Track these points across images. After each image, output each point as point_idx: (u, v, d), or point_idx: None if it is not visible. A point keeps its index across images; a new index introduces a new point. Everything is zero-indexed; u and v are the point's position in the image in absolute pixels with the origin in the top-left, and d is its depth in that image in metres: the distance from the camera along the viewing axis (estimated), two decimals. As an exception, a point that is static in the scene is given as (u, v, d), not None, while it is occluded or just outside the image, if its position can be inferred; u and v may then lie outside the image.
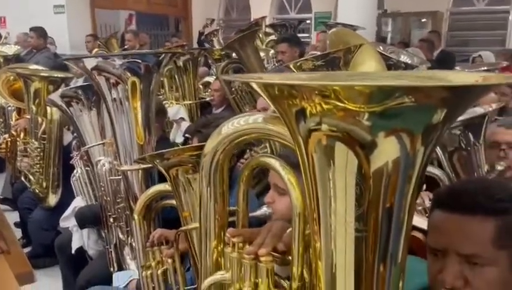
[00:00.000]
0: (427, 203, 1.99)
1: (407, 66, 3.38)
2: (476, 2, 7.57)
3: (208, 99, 4.19)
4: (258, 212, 1.34)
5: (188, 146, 1.38)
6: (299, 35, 8.53)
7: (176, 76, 4.16)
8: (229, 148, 1.00)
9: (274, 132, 0.93)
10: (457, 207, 0.88)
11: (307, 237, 0.92)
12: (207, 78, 4.88)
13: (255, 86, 0.73)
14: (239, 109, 3.92)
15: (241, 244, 1.01)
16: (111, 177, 2.07)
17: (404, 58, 3.37)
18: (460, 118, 1.78)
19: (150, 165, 1.64)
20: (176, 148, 1.37)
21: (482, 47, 7.28)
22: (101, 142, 2.30)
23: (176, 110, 4.18)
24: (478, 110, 1.87)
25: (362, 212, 0.72)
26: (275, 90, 0.68)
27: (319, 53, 4.48)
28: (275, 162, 0.95)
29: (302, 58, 2.26)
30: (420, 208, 1.96)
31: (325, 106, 0.62)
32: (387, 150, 0.64)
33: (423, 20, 7.83)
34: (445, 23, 7.65)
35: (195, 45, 8.60)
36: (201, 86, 4.83)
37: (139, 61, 1.79)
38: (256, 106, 3.28)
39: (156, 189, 1.65)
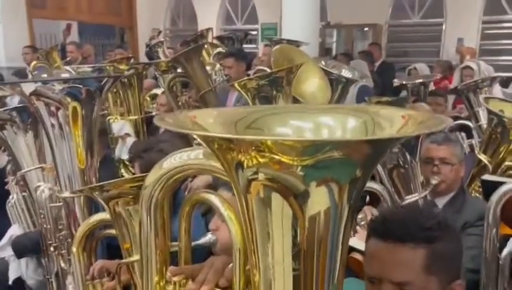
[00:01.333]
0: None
1: (348, 81, 3.52)
2: (412, 15, 7.98)
3: (154, 113, 4.12)
4: (202, 240, 1.34)
5: (128, 177, 1.35)
6: (246, 46, 8.66)
7: (120, 91, 4.06)
8: (169, 185, 1.00)
9: (216, 168, 0.93)
10: (389, 236, 0.93)
11: (247, 272, 0.93)
12: (154, 91, 4.80)
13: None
14: (186, 123, 3.89)
15: (183, 281, 1.00)
16: (51, 204, 1.98)
17: (345, 72, 3.51)
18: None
19: (98, 184, 1.59)
20: (115, 180, 1.34)
21: (418, 58, 7.68)
22: (38, 166, 2.20)
23: (121, 126, 4.08)
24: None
25: (298, 252, 0.75)
26: (208, 139, 0.69)
27: (264, 67, 4.57)
28: (214, 198, 0.96)
29: (246, 78, 2.29)
30: (363, 223, 2.03)
31: (260, 159, 0.64)
32: (319, 199, 0.66)
33: (365, 30, 8.14)
34: (385, 35, 8.01)
35: (142, 56, 8.45)
36: (148, 98, 4.74)
37: (81, 86, 1.75)
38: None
39: (97, 218, 1.59)
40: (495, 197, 1.57)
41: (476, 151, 2.81)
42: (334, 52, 8.14)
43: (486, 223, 1.65)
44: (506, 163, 2.64)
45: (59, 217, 1.99)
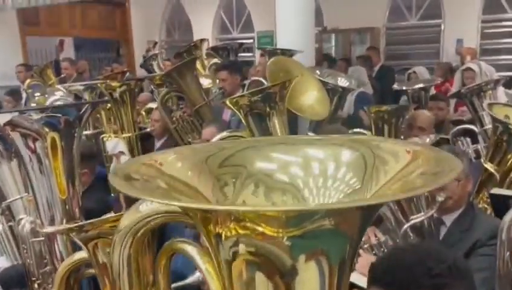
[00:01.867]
0: (373, 240, 1.95)
1: (345, 90, 3.41)
2: (409, 16, 7.87)
3: (148, 130, 4.01)
4: (191, 279, 1.24)
5: (108, 217, 1.24)
6: (243, 54, 8.57)
7: (113, 108, 3.96)
8: (145, 231, 0.89)
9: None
10: (393, 284, 0.81)
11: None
12: (150, 105, 4.69)
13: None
14: (181, 139, 3.78)
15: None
16: (33, 239, 1.87)
17: (341, 81, 3.40)
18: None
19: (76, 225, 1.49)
20: (94, 220, 1.23)
21: (418, 60, 7.58)
22: (18, 197, 2.09)
23: (115, 144, 3.98)
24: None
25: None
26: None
27: (260, 78, 4.46)
28: (191, 249, 0.84)
29: (237, 95, 2.18)
30: (366, 245, 1.91)
31: (241, 231, 0.53)
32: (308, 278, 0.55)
33: (363, 35, 8.04)
34: (383, 38, 7.90)
35: (138, 69, 8.37)
36: (144, 113, 4.64)
37: (59, 115, 1.65)
38: (202, 137, 3.17)
39: (79, 257, 1.48)
40: (508, 217, 1.45)
41: (482, 160, 2.68)
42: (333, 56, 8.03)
43: (499, 243, 1.53)
44: (515, 171, 2.52)
45: (42, 253, 1.88)
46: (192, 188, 0.75)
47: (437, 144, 3.53)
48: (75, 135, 1.67)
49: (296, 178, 0.82)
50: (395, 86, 4.39)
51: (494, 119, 2.51)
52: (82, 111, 1.66)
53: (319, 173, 0.82)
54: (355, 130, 3.17)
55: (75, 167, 1.75)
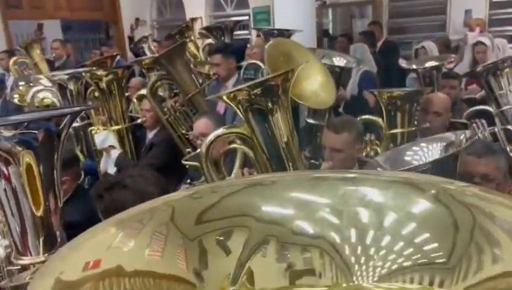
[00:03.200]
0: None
1: (342, 70, 3.08)
2: (414, -13, 7.48)
3: (139, 121, 3.72)
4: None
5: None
6: (239, 32, 8.18)
7: (101, 99, 3.66)
8: None
9: None
10: None
11: None
12: (142, 91, 4.36)
13: None
14: (174, 130, 3.49)
15: None
16: (8, 268, 1.62)
17: (337, 60, 3.08)
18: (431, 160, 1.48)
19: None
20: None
21: (423, 33, 7.21)
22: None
23: (104, 137, 3.70)
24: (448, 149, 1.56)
25: None
26: None
27: (257, 61, 4.13)
28: None
29: (235, 89, 1.88)
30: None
31: None
32: None
33: (364, 8, 7.64)
34: (385, 11, 7.50)
35: (129, 51, 8.00)
36: (135, 100, 4.32)
37: (35, 131, 1.37)
38: (194, 130, 2.89)
39: None
40: None
41: (509, 149, 2.41)
42: (331, 34, 7.66)
43: None
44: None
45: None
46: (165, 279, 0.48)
47: (453, 128, 3.27)
48: (55, 147, 1.40)
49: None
50: (404, 64, 4.07)
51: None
52: (61, 126, 1.37)
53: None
54: (363, 117, 2.88)
55: (55, 183, 1.48)
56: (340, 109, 4.37)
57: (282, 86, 1.89)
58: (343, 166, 2.19)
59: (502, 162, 1.71)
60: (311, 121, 3.19)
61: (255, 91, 1.86)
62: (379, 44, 6.11)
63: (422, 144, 1.64)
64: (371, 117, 2.90)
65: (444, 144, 1.61)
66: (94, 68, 3.81)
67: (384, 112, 2.86)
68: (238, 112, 1.93)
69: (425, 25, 7.48)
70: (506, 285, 0.42)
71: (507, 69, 3.40)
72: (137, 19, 7.56)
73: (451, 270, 0.46)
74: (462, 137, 1.59)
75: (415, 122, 2.96)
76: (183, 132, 3.46)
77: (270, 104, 1.87)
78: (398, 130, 2.83)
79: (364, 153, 2.84)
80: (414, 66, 3.84)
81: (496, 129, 3.22)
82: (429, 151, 1.61)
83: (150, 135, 3.75)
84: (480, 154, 1.68)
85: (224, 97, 1.91)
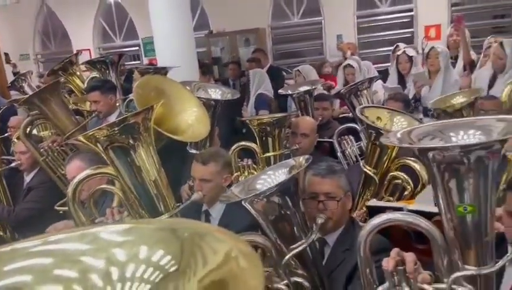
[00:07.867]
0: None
1: (217, 103, 3.24)
2: (292, 16, 8.04)
3: (13, 165, 3.52)
4: None
5: None
6: (130, 63, 8.09)
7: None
8: None
9: None
10: None
11: None
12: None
13: None
14: (53, 172, 3.37)
15: None
16: None
17: (212, 92, 3.23)
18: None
19: None
20: None
21: (305, 57, 7.77)
22: None
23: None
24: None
25: None
26: None
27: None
28: None
29: (94, 129, 1.89)
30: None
31: None
32: None
33: (249, 36, 8.03)
34: (269, 38, 7.96)
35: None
36: (16, 140, 4.08)
37: None
38: (67, 175, 2.79)
39: None
40: (364, 231, 1.36)
41: (362, 164, 2.71)
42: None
43: (359, 261, 1.45)
44: (391, 173, 2.58)
45: None
46: None
47: (320, 147, 3.57)
48: None
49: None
50: (281, 91, 4.38)
51: (368, 126, 2.54)
52: None
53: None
54: (240, 143, 3.05)
55: None
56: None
57: (143, 124, 1.93)
58: (213, 194, 2.31)
59: (343, 181, 1.93)
60: (193, 151, 3.28)
61: (114, 130, 1.89)
62: (264, 70, 6.46)
63: (269, 172, 1.81)
64: (246, 143, 3.08)
65: (288, 168, 1.80)
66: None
67: (257, 137, 3.07)
68: (99, 151, 1.93)
69: (306, 50, 8.08)
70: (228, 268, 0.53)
71: (365, 91, 3.83)
72: (10, 62, 7.13)
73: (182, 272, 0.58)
74: (301, 159, 1.78)
75: (287, 145, 3.20)
76: (63, 172, 3.35)
77: (131, 141, 1.90)
78: (271, 154, 3.04)
79: (243, 177, 2.97)
80: (289, 92, 4.14)
81: (362, 144, 3.60)
82: (275, 177, 1.78)
83: (28, 178, 3.56)
84: (324, 174, 1.89)
85: (81, 138, 1.91)
